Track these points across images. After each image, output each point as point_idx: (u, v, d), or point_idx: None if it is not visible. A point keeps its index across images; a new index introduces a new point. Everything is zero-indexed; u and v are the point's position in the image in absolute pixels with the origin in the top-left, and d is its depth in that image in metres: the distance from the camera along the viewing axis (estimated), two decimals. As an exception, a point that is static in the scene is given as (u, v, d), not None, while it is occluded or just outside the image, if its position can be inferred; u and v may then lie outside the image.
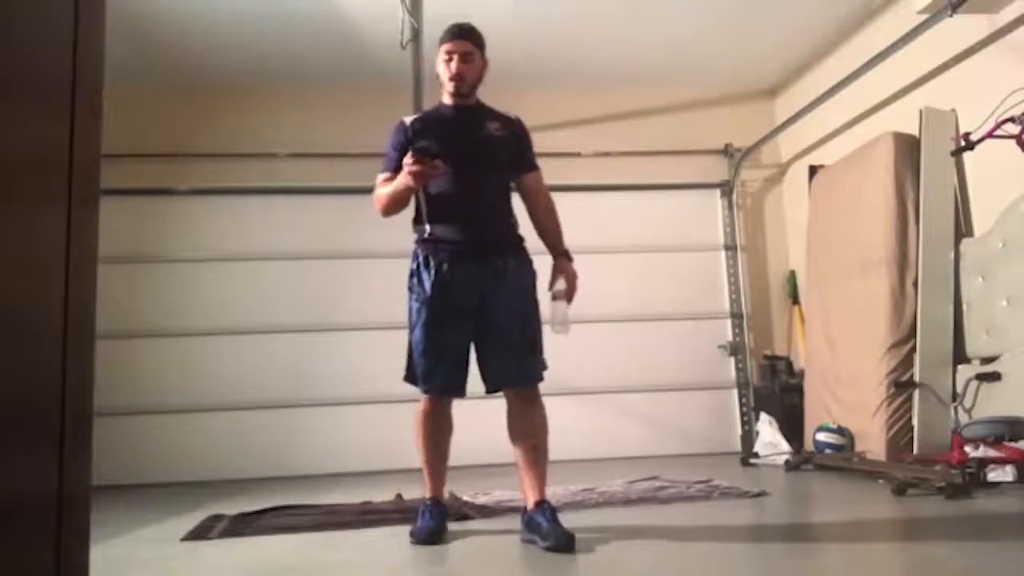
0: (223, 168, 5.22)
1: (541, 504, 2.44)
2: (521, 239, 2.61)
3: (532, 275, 2.59)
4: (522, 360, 2.50)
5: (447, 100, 2.62)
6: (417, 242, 2.60)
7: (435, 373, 2.50)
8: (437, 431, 2.60)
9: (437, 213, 2.54)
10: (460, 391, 2.53)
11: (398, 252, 5.29)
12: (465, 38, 2.56)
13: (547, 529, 2.33)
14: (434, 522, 2.54)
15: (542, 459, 2.52)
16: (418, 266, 2.55)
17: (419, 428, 2.59)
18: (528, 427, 2.52)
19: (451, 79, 2.55)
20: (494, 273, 2.49)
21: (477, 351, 2.54)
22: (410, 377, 2.58)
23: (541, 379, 2.53)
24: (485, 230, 2.53)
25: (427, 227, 2.56)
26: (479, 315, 2.49)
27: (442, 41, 2.58)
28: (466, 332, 2.51)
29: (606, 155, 5.51)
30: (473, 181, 2.52)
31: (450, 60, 2.55)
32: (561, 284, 2.53)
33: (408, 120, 2.64)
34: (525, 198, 2.67)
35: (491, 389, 2.53)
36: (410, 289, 2.56)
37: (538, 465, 2.50)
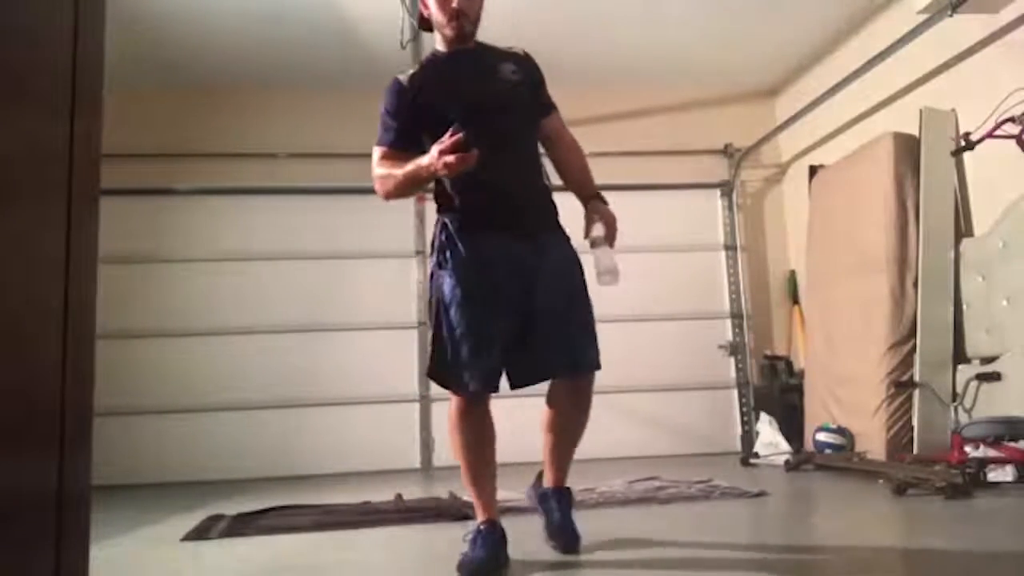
0: (223, 168, 5.22)
1: (559, 488, 2.27)
2: (556, 210, 2.24)
3: (573, 250, 2.20)
4: (576, 342, 2.10)
5: (441, 47, 2.19)
6: (443, 211, 2.18)
7: (472, 366, 2.04)
8: (478, 435, 2.14)
9: (462, 180, 2.07)
10: (497, 385, 2.12)
11: (398, 252, 5.36)
12: None
13: (558, 524, 2.20)
14: (486, 551, 2.05)
15: (573, 449, 2.29)
16: (448, 237, 2.12)
17: (455, 434, 2.14)
18: (573, 423, 2.22)
19: (451, 19, 2.10)
20: (534, 250, 2.10)
21: (517, 343, 2.10)
22: (436, 372, 2.11)
23: (599, 365, 2.14)
24: (519, 196, 2.14)
25: (455, 196, 2.14)
26: (520, 299, 2.08)
27: None
28: (506, 317, 2.08)
29: (606, 155, 5.51)
30: (498, 138, 2.05)
31: None
32: (599, 229, 2.10)
33: (404, 78, 2.19)
34: (546, 143, 2.28)
35: (522, 383, 2.12)
36: (439, 265, 2.13)
37: (568, 454, 2.29)
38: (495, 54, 2.23)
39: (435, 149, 1.94)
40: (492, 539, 2.08)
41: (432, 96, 2.13)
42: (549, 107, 2.29)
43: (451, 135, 1.90)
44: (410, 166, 2.03)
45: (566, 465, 2.29)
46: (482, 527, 2.11)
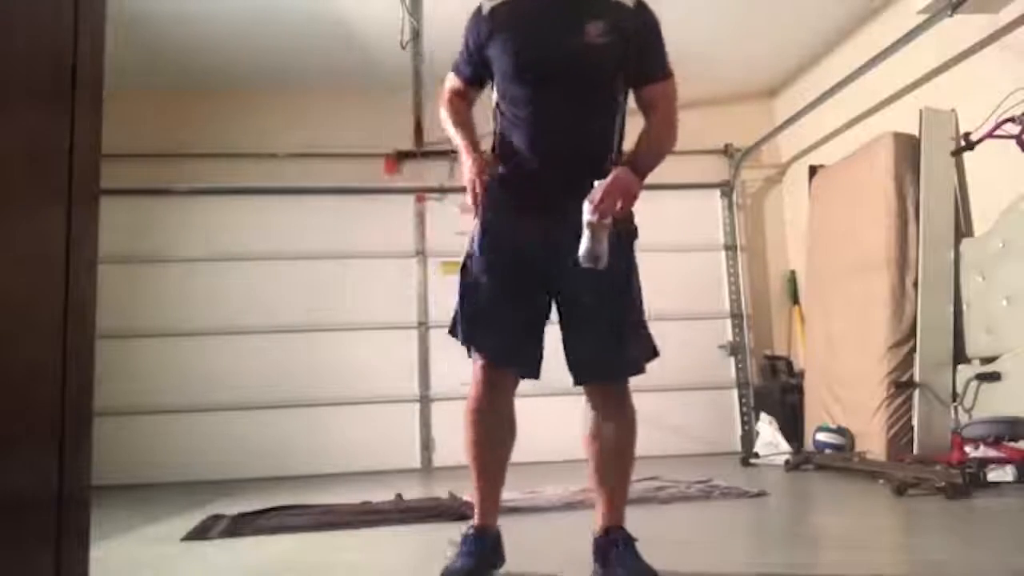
0: (223, 168, 5.22)
1: (613, 532, 1.87)
2: None
3: (631, 235, 1.97)
4: (613, 347, 1.88)
5: None
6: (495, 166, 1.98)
7: (496, 327, 1.85)
8: (494, 430, 1.91)
9: (515, 144, 1.91)
10: (531, 366, 1.88)
11: (398, 252, 5.36)
12: None
13: (622, 571, 1.80)
14: (473, 560, 1.85)
15: (622, 471, 1.95)
16: (491, 200, 1.90)
17: (469, 426, 1.91)
18: (610, 430, 1.94)
19: None
20: (576, 232, 1.77)
21: (561, 333, 1.91)
22: (456, 327, 1.92)
23: (638, 370, 1.93)
24: (576, 171, 1.84)
25: (508, 156, 1.94)
26: (561, 283, 1.88)
27: None
28: (542, 295, 1.90)
29: (606, 155, 5.52)
30: (563, 105, 1.87)
31: None
32: (597, 191, 1.77)
33: (487, 7, 1.93)
34: (643, 111, 2.00)
35: (578, 382, 1.93)
36: (477, 215, 1.94)
37: (614, 477, 1.94)
38: (595, 6, 1.89)
39: (475, 176, 1.87)
40: (481, 546, 1.89)
41: (507, 38, 1.90)
42: (652, 73, 1.96)
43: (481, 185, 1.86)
44: (463, 143, 1.95)
45: (615, 499, 1.92)
46: (472, 531, 1.93)
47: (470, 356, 1.91)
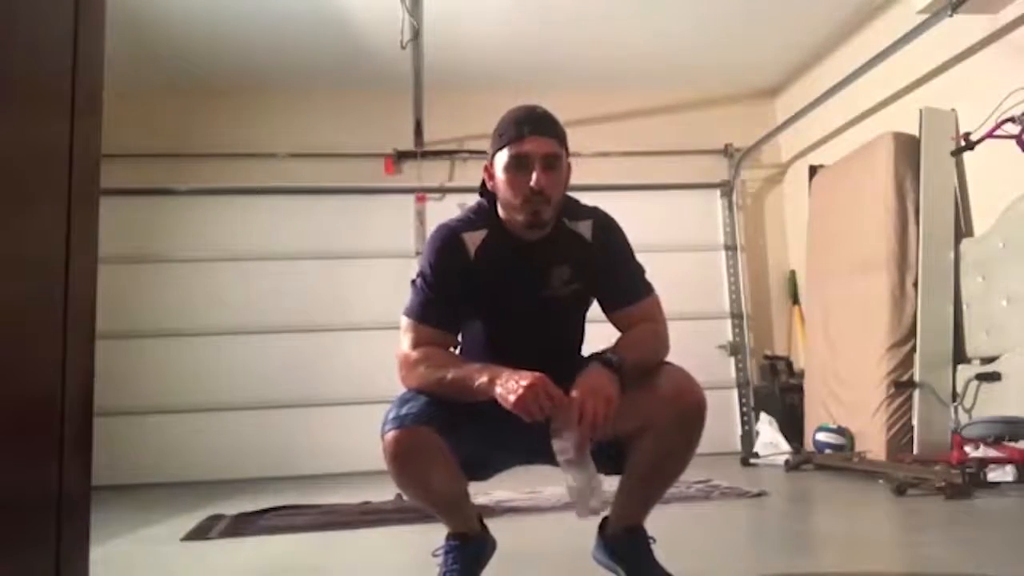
0: (223, 168, 5.22)
1: (635, 531, 1.74)
2: None
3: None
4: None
5: (518, 216, 1.66)
6: None
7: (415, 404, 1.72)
8: (420, 463, 1.65)
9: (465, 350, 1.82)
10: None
11: (398, 252, 5.36)
12: (546, 132, 1.65)
13: (642, 570, 1.70)
14: (458, 566, 1.70)
15: (662, 485, 1.73)
16: None
17: (393, 469, 1.68)
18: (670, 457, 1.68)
19: (527, 202, 1.62)
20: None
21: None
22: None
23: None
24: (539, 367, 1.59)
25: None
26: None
27: (506, 139, 1.65)
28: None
29: (606, 155, 5.52)
30: (525, 340, 1.70)
31: (524, 167, 1.62)
32: (572, 405, 1.46)
33: (472, 247, 1.69)
34: (620, 331, 1.77)
35: None
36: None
37: (655, 488, 1.73)
38: (560, 248, 1.73)
39: (515, 388, 1.47)
40: (463, 554, 1.72)
41: (488, 286, 1.69)
42: (629, 298, 1.76)
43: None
44: (452, 371, 1.61)
45: (649, 498, 1.74)
46: (452, 541, 1.73)
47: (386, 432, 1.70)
